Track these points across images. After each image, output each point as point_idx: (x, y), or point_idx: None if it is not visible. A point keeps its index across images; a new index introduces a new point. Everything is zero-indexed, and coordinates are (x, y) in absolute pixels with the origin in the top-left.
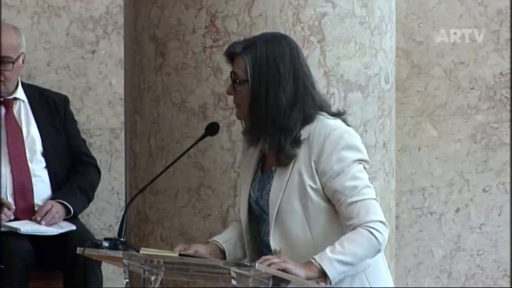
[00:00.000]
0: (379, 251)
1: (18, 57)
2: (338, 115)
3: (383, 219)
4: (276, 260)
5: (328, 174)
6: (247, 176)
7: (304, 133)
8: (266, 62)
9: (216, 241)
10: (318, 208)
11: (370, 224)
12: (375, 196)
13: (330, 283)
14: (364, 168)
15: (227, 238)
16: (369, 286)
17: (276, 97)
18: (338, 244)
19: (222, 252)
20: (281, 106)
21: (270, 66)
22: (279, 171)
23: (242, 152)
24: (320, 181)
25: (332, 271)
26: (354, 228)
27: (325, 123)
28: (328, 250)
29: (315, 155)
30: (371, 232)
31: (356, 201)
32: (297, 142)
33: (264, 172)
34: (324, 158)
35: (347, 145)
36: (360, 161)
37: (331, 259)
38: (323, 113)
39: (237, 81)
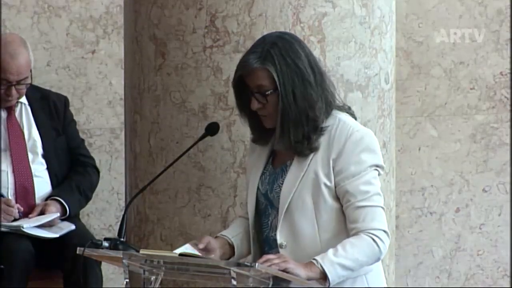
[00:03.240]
0: (378, 259)
1: (31, 70)
2: (345, 109)
3: (387, 229)
4: (277, 260)
5: (344, 174)
6: (256, 169)
7: (326, 124)
8: (286, 66)
9: (225, 236)
10: (330, 207)
11: (374, 232)
12: (383, 205)
13: (329, 286)
14: (379, 174)
15: (235, 233)
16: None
17: (305, 96)
18: (341, 247)
19: (231, 246)
20: (313, 102)
21: (292, 67)
22: (295, 165)
23: (250, 148)
24: (334, 180)
25: (333, 274)
26: (357, 233)
27: (346, 123)
28: (330, 252)
29: (335, 154)
30: (374, 240)
31: (365, 206)
32: (321, 131)
33: (275, 166)
34: (343, 158)
35: (367, 148)
36: (376, 167)
37: (333, 262)
38: (337, 108)
39: (268, 92)
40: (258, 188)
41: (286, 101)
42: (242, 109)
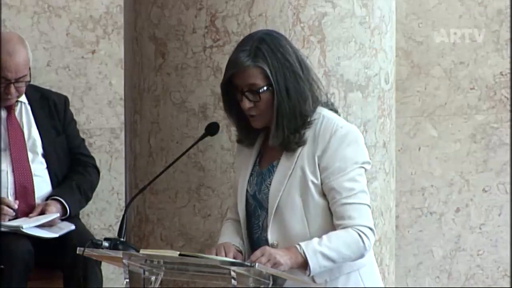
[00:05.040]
0: (362, 256)
1: (30, 68)
2: (329, 105)
3: (373, 226)
4: (268, 264)
5: (329, 171)
6: (244, 171)
7: (312, 118)
8: (277, 61)
9: (236, 246)
10: (318, 205)
11: (361, 228)
12: (369, 203)
13: (309, 274)
14: (365, 170)
15: (237, 241)
16: (363, 286)
17: (297, 90)
18: (326, 237)
19: (241, 253)
20: (305, 96)
21: (282, 61)
22: (281, 164)
23: (238, 150)
24: (320, 176)
25: (315, 263)
26: (344, 228)
27: (330, 120)
28: (315, 240)
29: (320, 151)
30: (360, 236)
31: (350, 203)
32: (309, 125)
33: (262, 167)
34: (328, 154)
35: (351, 144)
36: (362, 163)
37: (316, 251)
38: (322, 104)
39: (261, 90)
40: (246, 190)
41: (280, 97)
42: (229, 110)
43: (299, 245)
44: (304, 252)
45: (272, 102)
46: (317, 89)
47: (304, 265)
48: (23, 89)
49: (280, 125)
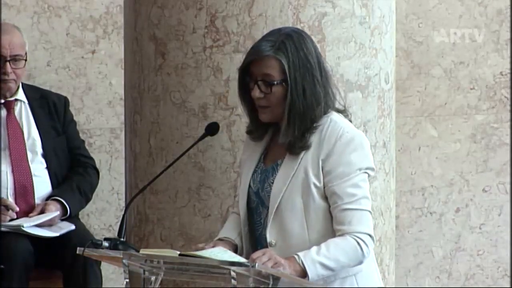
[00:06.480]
0: (361, 262)
1: (26, 54)
2: (342, 111)
3: (372, 233)
4: (269, 263)
5: (332, 175)
6: (248, 166)
7: (319, 123)
8: (298, 60)
9: (229, 238)
10: (319, 207)
11: (359, 235)
12: (370, 209)
13: None
14: (369, 176)
15: (236, 234)
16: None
17: (313, 92)
18: (325, 246)
19: (235, 247)
20: (320, 100)
21: (303, 62)
22: (285, 164)
23: (245, 144)
24: (323, 180)
25: (313, 272)
26: (342, 235)
27: (337, 124)
28: (313, 250)
29: (324, 155)
30: (358, 243)
31: (351, 209)
32: (314, 129)
33: (267, 164)
34: (333, 159)
35: (356, 149)
36: (366, 169)
37: (314, 260)
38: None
39: (274, 82)
40: (249, 185)
41: (295, 94)
42: (243, 97)
43: (297, 255)
44: (302, 262)
45: (283, 98)
46: (333, 98)
47: (302, 274)
48: (20, 72)
49: (292, 123)
